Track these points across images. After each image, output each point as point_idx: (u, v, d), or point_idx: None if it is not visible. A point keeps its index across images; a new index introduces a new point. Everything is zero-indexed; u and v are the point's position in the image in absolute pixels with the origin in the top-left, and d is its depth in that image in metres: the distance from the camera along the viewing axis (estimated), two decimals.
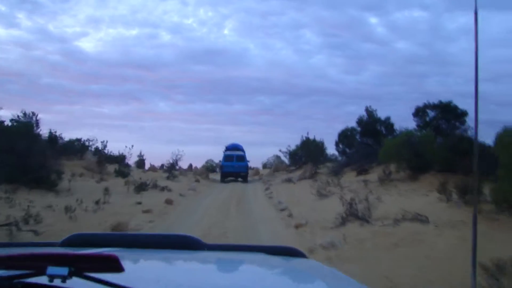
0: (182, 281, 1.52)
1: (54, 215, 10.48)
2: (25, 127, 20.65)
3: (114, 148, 31.27)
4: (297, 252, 2.11)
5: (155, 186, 19.49)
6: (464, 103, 20.12)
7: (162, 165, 33.77)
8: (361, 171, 22.96)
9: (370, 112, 26.49)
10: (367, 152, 24.19)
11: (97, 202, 12.35)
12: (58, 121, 68.01)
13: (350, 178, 21.77)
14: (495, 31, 47.89)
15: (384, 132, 26.26)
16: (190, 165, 42.97)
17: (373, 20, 69.23)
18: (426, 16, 58.94)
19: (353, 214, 9.84)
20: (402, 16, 59.26)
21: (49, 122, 64.87)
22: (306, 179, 25.46)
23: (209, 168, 43.36)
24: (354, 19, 60.34)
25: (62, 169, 18.25)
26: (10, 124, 20.65)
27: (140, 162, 38.96)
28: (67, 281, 1.03)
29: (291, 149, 35.76)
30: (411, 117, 22.09)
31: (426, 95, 56.87)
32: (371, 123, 26.36)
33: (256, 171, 40.09)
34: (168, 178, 27.49)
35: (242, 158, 31.29)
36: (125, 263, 1.06)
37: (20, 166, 15.17)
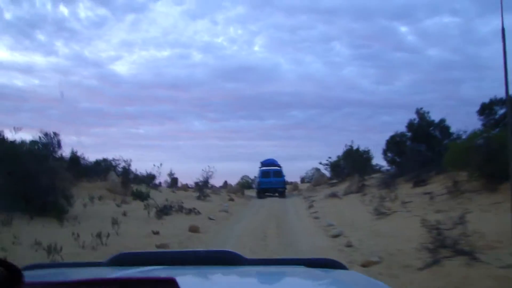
0: None
1: (35, 257, 7.89)
2: (39, 147, 18.73)
3: (147, 167, 29.72)
4: (338, 264, 2.11)
5: (180, 208, 16.88)
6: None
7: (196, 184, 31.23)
8: (418, 182, 19.83)
9: (421, 115, 23.31)
10: (422, 160, 21.06)
11: (99, 235, 9.71)
12: (96, 143, 65.30)
13: (406, 190, 18.66)
14: None
15: (439, 136, 23.03)
16: (225, 182, 41.69)
17: (403, 28, 67.41)
18: (457, 22, 56.80)
19: (446, 244, 6.86)
20: (432, 23, 58.07)
21: (88, 145, 63.83)
22: (353, 193, 22.45)
23: (244, 184, 41.02)
24: (384, 28, 59.00)
25: (72, 192, 15.81)
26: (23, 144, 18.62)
27: (173, 182, 37.34)
28: None
29: (332, 161, 32.81)
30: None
31: (461, 101, 54.25)
32: (423, 127, 23.16)
33: (295, 186, 37.21)
34: (198, 198, 24.93)
35: (279, 174, 30.60)
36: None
37: (21, 191, 12.86)
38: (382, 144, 25.20)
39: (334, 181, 32.68)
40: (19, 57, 58.53)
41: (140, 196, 16.48)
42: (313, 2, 61.76)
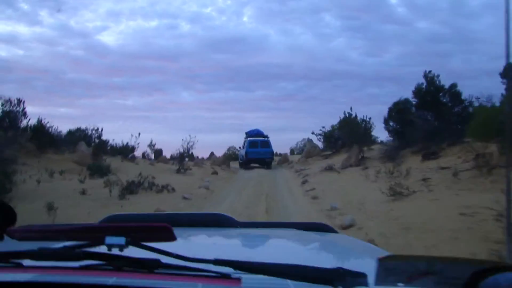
0: (221, 253, 1.31)
1: None
2: None
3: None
4: (328, 228, 2.18)
5: (151, 185, 14.11)
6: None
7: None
8: (428, 154, 17.23)
9: (431, 79, 20.53)
10: (430, 130, 18.44)
11: None
12: (83, 115, 67.90)
13: (415, 164, 16.06)
14: None
15: (449, 103, 20.35)
16: (212, 154, 39.54)
17: (393, 0, 66.53)
18: None
19: None
20: None
21: (74, 116, 64.00)
22: (352, 167, 19.84)
23: (231, 156, 38.49)
24: (374, 0, 61.12)
25: (18, 166, 12.99)
26: None
27: (157, 153, 34.91)
28: (125, 250, 1.10)
29: (326, 131, 30.12)
30: None
31: (450, 74, 53.44)
32: (432, 93, 20.41)
33: (285, 158, 34.49)
34: (178, 171, 22.18)
35: (267, 144, 29.99)
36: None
37: None
38: (374, 115, 22.68)
39: (328, 152, 30.17)
40: (2, 27, 56.59)
41: (99, 171, 13.63)
42: None
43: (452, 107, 20.10)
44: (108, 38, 69.22)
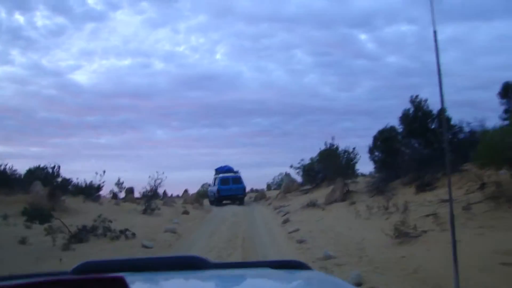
0: None
1: None
2: None
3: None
4: (302, 265, 2.11)
5: (107, 230, 11.87)
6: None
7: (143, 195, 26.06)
8: (422, 185, 15.49)
9: (417, 104, 18.97)
10: (422, 158, 16.78)
11: None
12: (55, 154, 66.13)
13: (410, 197, 14.25)
14: (482, 39, 51.37)
15: (438, 129, 18.75)
16: (185, 191, 38.03)
17: (363, 36, 67.96)
18: (413, 30, 57.82)
19: None
20: (391, 31, 59.66)
21: (46, 155, 64.67)
22: (337, 202, 17.89)
23: (205, 193, 36.26)
24: (344, 36, 60.51)
25: None
26: None
27: (127, 192, 32.66)
28: None
29: (304, 164, 28.25)
30: None
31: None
32: (420, 119, 18.81)
33: (262, 194, 32.53)
34: (144, 211, 19.87)
35: (239, 180, 29.63)
36: (135, 286, 1.21)
37: None
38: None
39: (308, 187, 28.24)
40: None
41: (37, 216, 11.31)
42: (274, 11, 61.94)
43: (442, 134, 18.50)
44: (81, 77, 67.53)
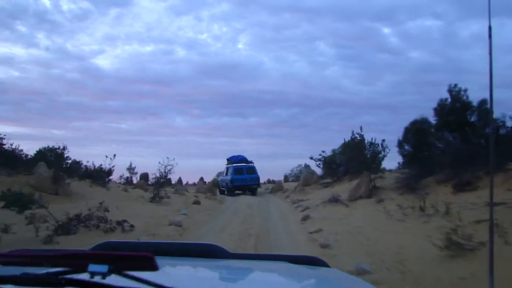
0: (205, 285, 1.62)
1: None
2: None
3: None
4: (320, 262, 2.13)
5: (101, 221, 10.38)
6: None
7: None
8: (461, 185, 13.71)
9: (456, 94, 17.10)
10: (460, 155, 14.97)
11: None
12: (76, 137, 65.06)
13: (446, 197, 12.50)
14: (509, 37, 47.41)
15: (477, 123, 16.89)
16: (201, 179, 38.06)
17: (386, 30, 68.89)
18: (438, 25, 58.01)
19: None
20: (415, 25, 58.86)
21: (68, 138, 65.69)
22: (363, 198, 16.17)
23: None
24: (367, 30, 59.99)
25: None
26: None
27: (143, 178, 32.05)
28: (107, 278, 1.11)
29: (326, 155, 26.53)
30: None
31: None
32: (457, 110, 16.94)
33: (279, 185, 30.84)
34: (153, 199, 18.44)
35: (253, 170, 29.01)
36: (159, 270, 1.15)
37: None
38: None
39: (328, 180, 26.53)
40: None
41: (16, 202, 9.79)
42: (297, 1, 61.37)
43: (482, 128, 16.64)
44: (104, 62, 68.61)
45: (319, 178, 28.38)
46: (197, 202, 19.19)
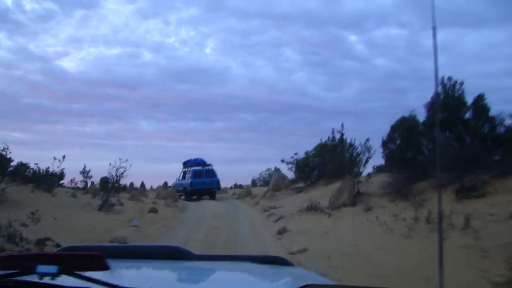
0: (168, 284, 1.55)
1: None
2: None
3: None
4: (284, 261, 2.10)
5: (11, 239, 7.73)
6: None
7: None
8: (464, 190, 11.65)
9: (451, 87, 15.09)
10: (460, 156, 12.95)
11: None
12: (39, 140, 65.66)
13: (450, 205, 10.29)
14: (471, 47, 50.96)
15: (472, 120, 14.92)
16: (165, 183, 38.28)
17: (353, 37, 68.31)
18: (403, 34, 58.98)
19: None
20: (381, 34, 59.70)
21: (29, 142, 63.02)
22: (346, 206, 13.91)
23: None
24: (334, 37, 61.58)
25: None
26: None
27: (103, 183, 28.80)
28: (57, 278, 1.09)
29: (299, 158, 24.29)
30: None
31: (404, 110, 56.98)
32: (451, 106, 14.89)
33: (247, 191, 28.30)
34: (102, 207, 15.76)
35: (213, 173, 27.91)
36: (115, 271, 1.21)
37: None
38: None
39: (300, 185, 24.32)
40: None
41: None
42: (266, 8, 61.88)
43: (480, 126, 14.69)
44: (69, 64, 67.20)
45: (290, 183, 26.20)
46: (153, 210, 16.55)
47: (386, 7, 57.89)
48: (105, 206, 15.84)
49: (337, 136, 17.05)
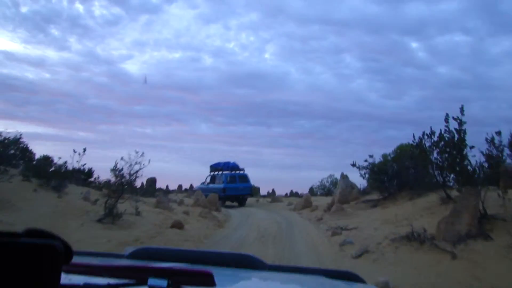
0: None
1: None
2: None
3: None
4: (356, 277, 2.05)
5: None
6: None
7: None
8: None
9: None
10: None
11: None
12: (101, 140, 67.87)
13: None
14: None
15: None
16: (191, 186, 37.78)
17: (414, 44, 66.53)
18: (468, 41, 57.12)
19: None
20: (444, 41, 58.57)
21: (92, 141, 65.22)
22: (470, 239, 8.58)
23: None
24: (395, 43, 60.38)
25: None
26: None
27: (149, 182, 27.29)
28: None
29: (374, 163, 18.95)
30: None
31: (468, 119, 52.07)
32: None
33: (306, 201, 22.80)
34: (102, 218, 11.23)
35: (246, 179, 26.79)
36: None
37: None
38: None
39: (373, 197, 19.02)
40: (32, 51, 59.64)
41: None
42: (326, 13, 61.69)
43: None
44: (132, 67, 69.91)
45: (359, 194, 20.96)
46: (177, 225, 11.82)
47: (450, 12, 56.85)
48: (108, 217, 11.31)
49: (454, 127, 11.18)
